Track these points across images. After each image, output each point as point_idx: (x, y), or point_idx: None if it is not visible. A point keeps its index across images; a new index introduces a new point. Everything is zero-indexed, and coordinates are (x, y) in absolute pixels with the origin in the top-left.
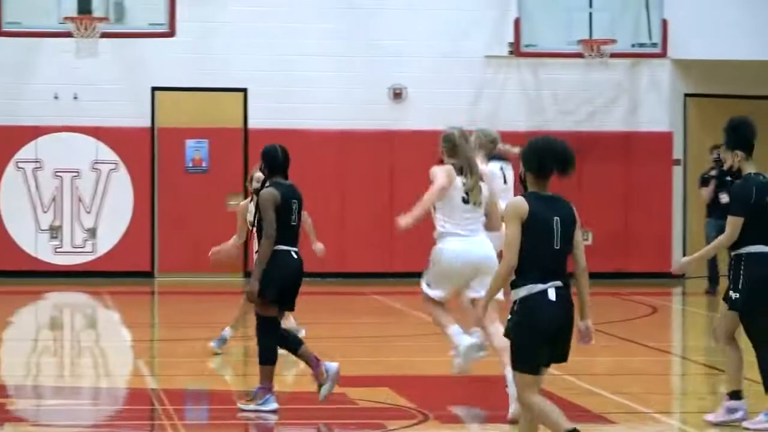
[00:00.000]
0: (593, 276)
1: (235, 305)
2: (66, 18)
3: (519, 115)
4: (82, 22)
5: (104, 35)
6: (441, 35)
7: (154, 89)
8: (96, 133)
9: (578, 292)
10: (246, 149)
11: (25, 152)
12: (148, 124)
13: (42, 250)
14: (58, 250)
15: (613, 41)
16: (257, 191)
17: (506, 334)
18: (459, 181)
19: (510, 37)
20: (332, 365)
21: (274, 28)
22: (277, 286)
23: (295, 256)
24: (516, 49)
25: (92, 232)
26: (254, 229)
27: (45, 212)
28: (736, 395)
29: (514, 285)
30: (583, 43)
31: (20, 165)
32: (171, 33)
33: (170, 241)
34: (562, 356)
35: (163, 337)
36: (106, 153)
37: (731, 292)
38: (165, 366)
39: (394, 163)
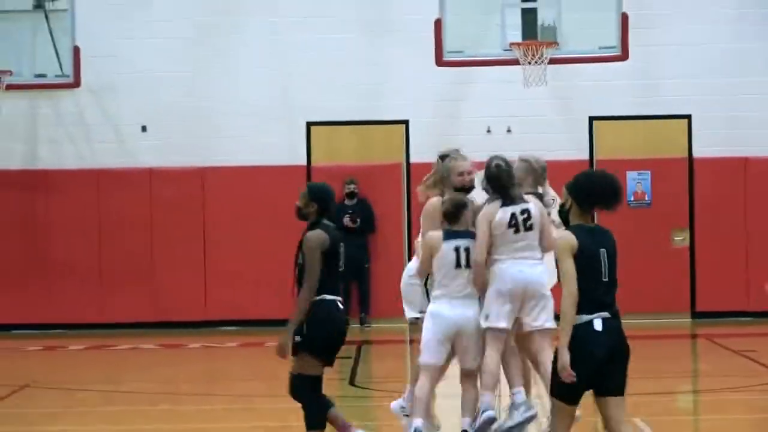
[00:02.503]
0: None
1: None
2: (512, 44)
3: None
4: (529, 48)
5: (552, 61)
6: None
7: (591, 119)
8: None
9: None
10: (691, 180)
11: None
12: (585, 156)
13: None
14: None
15: None
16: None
17: (553, 361)
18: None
19: None
20: None
21: (717, 52)
22: (328, 341)
23: (341, 307)
24: None
25: None
26: (296, 272)
27: None
28: None
29: None
30: None
31: None
32: (624, 56)
33: None
34: (616, 388)
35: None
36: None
37: None
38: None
39: None
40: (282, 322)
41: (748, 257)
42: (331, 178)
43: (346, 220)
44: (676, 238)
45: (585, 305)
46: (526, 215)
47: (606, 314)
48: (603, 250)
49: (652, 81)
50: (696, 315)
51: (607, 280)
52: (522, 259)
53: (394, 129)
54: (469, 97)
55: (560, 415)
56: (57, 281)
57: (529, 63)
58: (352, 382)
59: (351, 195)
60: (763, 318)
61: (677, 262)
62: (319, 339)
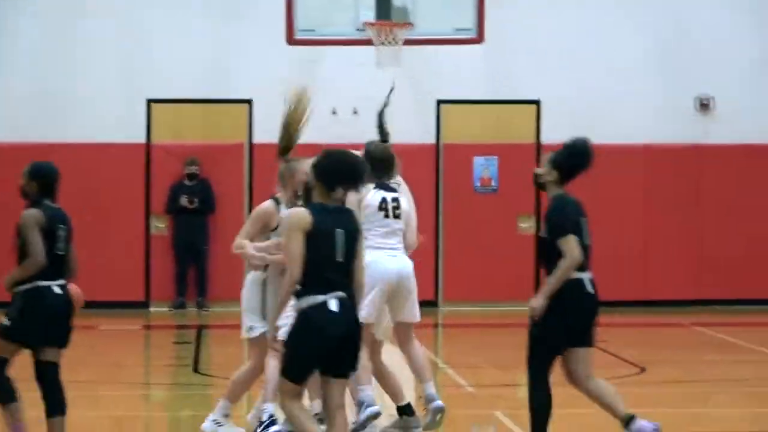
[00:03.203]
0: None
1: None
2: (366, 23)
3: None
4: (383, 28)
5: (406, 42)
6: (753, 38)
7: (439, 102)
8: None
9: None
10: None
11: None
12: (432, 140)
13: None
14: None
15: None
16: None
17: (284, 342)
18: None
19: None
20: None
21: (570, 37)
22: (32, 329)
23: (59, 291)
24: None
25: None
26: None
27: None
28: None
29: (297, 296)
30: None
31: None
32: (479, 39)
33: (456, 267)
34: (345, 371)
35: (448, 383)
36: None
37: None
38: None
39: (701, 180)
40: (109, 304)
41: (594, 245)
42: (172, 156)
43: (183, 200)
44: (521, 225)
45: (320, 285)
46: (396, 203)
47: (342, 294)
48: (341, 231)
49: (504, 65)
50: None
51: (341, 260)
52: (392, 249)
53: (239, 108)
54: (318, 78)
55: (289, 393)
56: None
57: (383, 44)
58: (196, 369)
59: (192, 176)
60: (611, 307)
61: (523, 249)
62: (33, 329)
